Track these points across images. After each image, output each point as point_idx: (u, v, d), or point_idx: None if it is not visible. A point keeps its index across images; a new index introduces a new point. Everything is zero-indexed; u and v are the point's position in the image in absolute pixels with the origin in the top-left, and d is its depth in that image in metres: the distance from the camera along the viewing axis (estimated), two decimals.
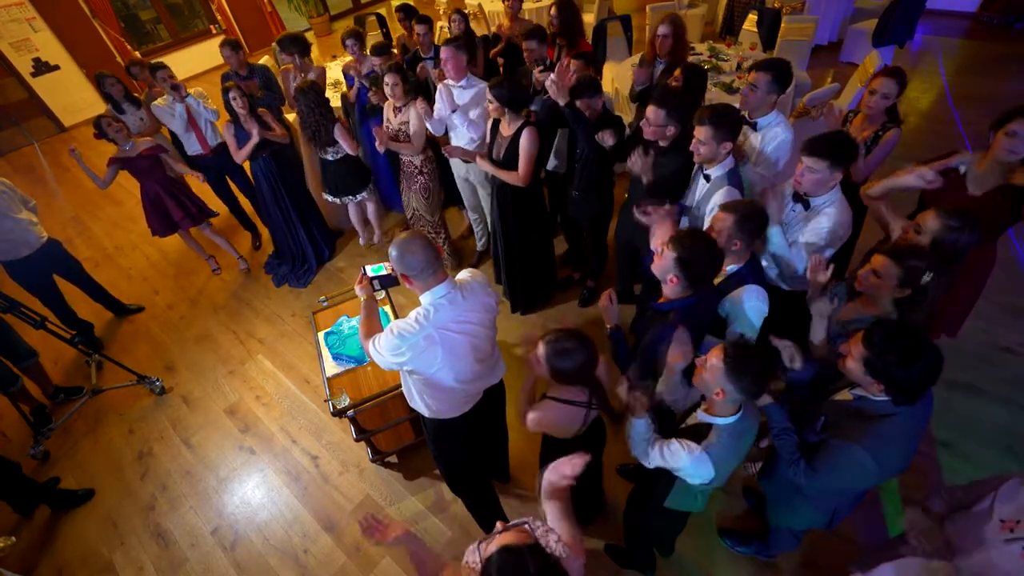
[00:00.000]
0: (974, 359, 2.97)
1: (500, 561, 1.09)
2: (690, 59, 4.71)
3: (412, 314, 1.74)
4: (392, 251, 1.70)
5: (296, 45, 4.08)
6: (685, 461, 1.55)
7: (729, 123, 2.12)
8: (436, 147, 3.71)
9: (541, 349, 1.66)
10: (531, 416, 1.76)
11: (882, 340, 1.40)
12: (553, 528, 1.37)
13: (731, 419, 1.55)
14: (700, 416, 1.64)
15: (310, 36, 10.01)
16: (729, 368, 1.44)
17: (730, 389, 1.46)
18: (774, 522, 2.09)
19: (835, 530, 2.32)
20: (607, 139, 2.68)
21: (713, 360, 1.48)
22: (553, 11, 3.64)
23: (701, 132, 2.15)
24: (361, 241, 4.56)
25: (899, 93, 2.50)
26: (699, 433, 1.59)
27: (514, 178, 2.90)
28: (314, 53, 8.24)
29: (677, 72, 2.85)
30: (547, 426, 1.81)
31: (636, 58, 3.64)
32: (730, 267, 1.96)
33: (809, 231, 2.10)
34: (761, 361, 1.47)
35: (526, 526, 1.29)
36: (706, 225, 2.24)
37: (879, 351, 1.40)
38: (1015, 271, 3.25)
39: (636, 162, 2.48)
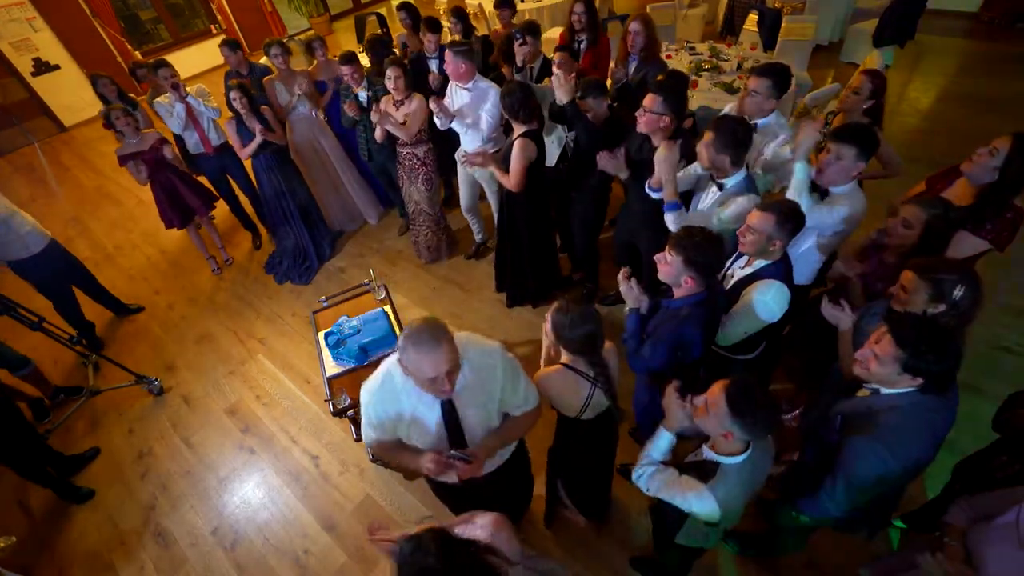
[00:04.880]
0: (974, 359, 2.97)
1: (401, 550, 1.20)
2: (690, 59, 4.75)
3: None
4: (442, 346, 1.38)
5: (279, 47, 4.04)
6: (690, 499, 1.50)
7: (731, 135, 2.09)
8: (436, 140, 3.74)
9: (550, 315, 1.70)
10: (538, 376, 1.80)
11: (916, 338, 1.38)
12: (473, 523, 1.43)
13: (739, 458, 1.47)
14: (705, 453, 1.56)
15: (310, 36, 10.02)
16: (733, 410, 1.37)
17: (736, 431, 1.40)
18: (788, 521, 2.08)
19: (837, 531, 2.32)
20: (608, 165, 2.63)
21: (715, 398, 1.41)
22: (579, 7, 3.67)
23: (707, 137, 2.13)
24: None
25: (872, 91, 2.53)
26: (703, 471, 1.52)
27: (507, 182, 2.95)
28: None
29: (660, 77, 2.86)
30: (551, 388, 1.80)
31: None
32: (758, 262, 1.95)
33: (823, 219, 2.12)
34: (765, 397, 1.39)
35: (459, 529, 1.40)
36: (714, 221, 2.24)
37: (916, 350, 1.37)
38: (1015, 271, 3.25)
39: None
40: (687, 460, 1.67)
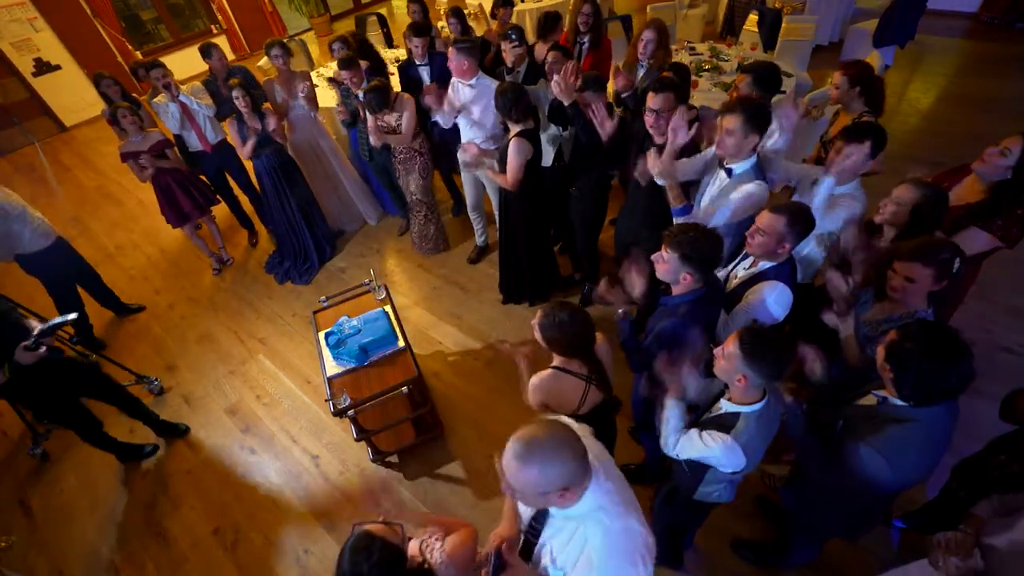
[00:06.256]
0: (974, 359, 2.97)
1: (355, 539, 1.25)
2: (690, 59, 4.75)
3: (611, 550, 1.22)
4: (527, 475, 1.13)
5: (280, 48, 4.01)
6: (717, 451, 1.55)
7: (760, 116, 2.07)
8: (427, 130, 3.80)
9: (537, 319, 1.71)
10: (532, 381, 1.79)
11: (915, 330, 1.39)
12: (442, 538, 1.45)
13: (757, 406, 1.54)
14: (725, 406, 1.63)
15: (310, 36, 10.03)
16: (747, 353, 1.44)
17: (751, 374, 1.47)
18: (796, 531, 2.08)
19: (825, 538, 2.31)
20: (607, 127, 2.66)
21: (730, 347, 1.49)
22: (587, 8, 3.64)
23: (730, 121, 2.07)
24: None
25: (851, 80, 2.57)
26: (723, 423, 1.58)
27: (503, 181, 2.97)
28: (314, 54, 8.27)
29: (665, 73, 2.86)
30: (545, 394, 1.80)
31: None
32: (764, 263, 1.94)
33: (825, 220, 2.12)
34: (778, 343, 1.47)
35: (425, 536, 1.44)
36: (711, 220, 2.23)
37: (905, 337, 1.38)
38: (1016, 270, 3.25)
39: (651, 164, 2.36)
40: (704, 418, 1.71)
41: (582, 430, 1.37)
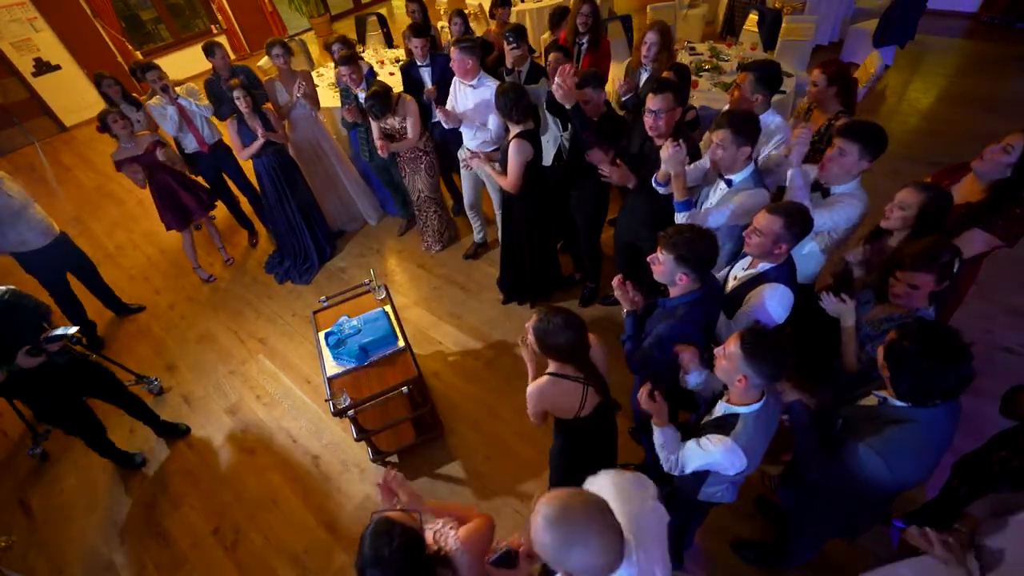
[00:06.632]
0: (974, 359, 2.97)
1: (375, 525, 1.27)
2: (690, 59, 4.75)
3: None
4: (545, 536, 1.05)
5: (281, 48, 3.99)
6: (718, 455, 1.55)
7: (748, 127, 2.09)
8: (428, 129, 3.82)
9: (530, 324, 1.69)
10: (529, 390, 1.77)
11: (914, 330, 1.39)
12: (455, 527, 1.46)
13: (755, 406, 1.55)
14: (723, 408, 1.63)
15: (310, 36, 10.03)
16: (747, 353, 1.45)
17: (751, 374, 1.47)
18: (796, 531, 2.08)
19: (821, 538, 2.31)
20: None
21: (731, 347, 1.50)
22: (586, 9, 3.64)
23: (720, 136, 2.10)
24: None
25: (829, 78, 2.58)
26: (722, 426, 1.59)
27: (504, 182, 2.97)
28: (314, 54, 8.27)
29: (666, 73, 2.87)
30: (544, 401, 1.80)
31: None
32: (763, 264, 1.94)
33: (824, 218, 2.12)
34: (779, 344, 1.48)
35: (438, 526, 1.45)
36: (711, 221, 2.24)
37: (904, 336, 1.38)
38: (1016, 271, 3.25)
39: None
40: (704, 422, 1.71)
41: (646, 514, 1.26)
